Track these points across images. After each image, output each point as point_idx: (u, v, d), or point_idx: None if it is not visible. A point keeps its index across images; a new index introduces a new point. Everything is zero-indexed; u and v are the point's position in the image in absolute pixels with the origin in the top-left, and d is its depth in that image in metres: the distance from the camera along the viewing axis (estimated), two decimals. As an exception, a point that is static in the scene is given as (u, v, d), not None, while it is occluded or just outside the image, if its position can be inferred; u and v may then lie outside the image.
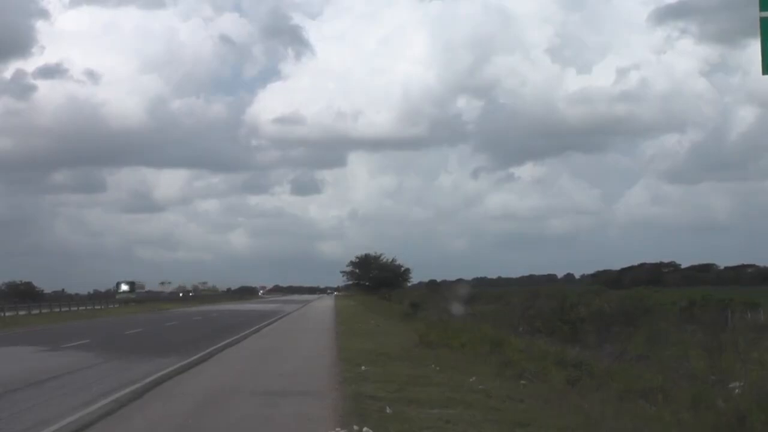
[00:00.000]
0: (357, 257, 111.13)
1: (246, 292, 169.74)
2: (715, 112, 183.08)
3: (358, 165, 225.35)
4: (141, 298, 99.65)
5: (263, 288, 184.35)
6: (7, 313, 52.76)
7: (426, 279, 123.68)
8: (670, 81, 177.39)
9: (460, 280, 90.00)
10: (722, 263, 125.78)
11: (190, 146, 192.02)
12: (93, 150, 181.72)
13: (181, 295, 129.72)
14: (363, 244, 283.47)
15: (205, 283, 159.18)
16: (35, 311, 58.18)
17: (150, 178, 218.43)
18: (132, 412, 12.06)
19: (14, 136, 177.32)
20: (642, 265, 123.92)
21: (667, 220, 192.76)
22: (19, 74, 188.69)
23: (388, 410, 11.66)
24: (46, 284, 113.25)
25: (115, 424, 11.17)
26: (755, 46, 9.87)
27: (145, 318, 51.28)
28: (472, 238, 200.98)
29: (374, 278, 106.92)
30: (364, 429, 10.15)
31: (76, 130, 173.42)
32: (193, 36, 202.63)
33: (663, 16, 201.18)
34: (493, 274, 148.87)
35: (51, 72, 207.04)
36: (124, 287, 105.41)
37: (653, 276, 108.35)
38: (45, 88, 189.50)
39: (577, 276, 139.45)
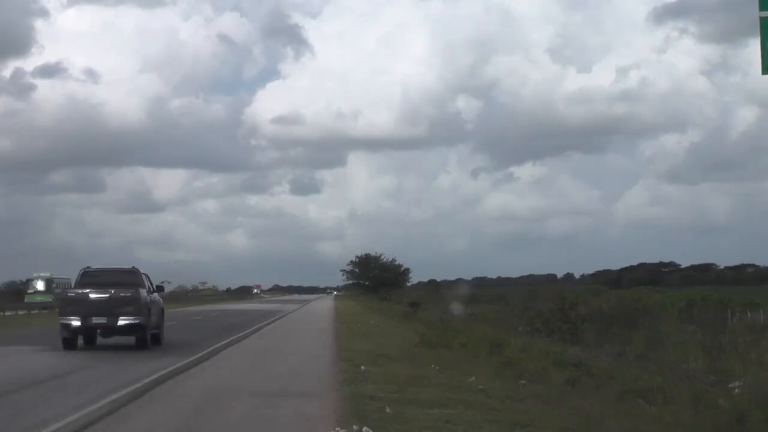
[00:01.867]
0: (357, 257, 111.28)
1: (245, 292, 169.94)
2: (714, 112, 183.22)
3: (358, 165, 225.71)
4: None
5: (258, 287, 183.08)
6: (7, 313, 52.80)
7: (426, 279, 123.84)
8: (669, 81, 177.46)
9: (459, 280, 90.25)
10: (722, 263, 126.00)
11: (190, 146, 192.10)
12: (92, 150, 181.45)
13: None
14: (363, 244, 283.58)
15: (204, 283, 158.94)
16: (35, 311, 58.20)
17: (149, 178, 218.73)
18: (132, 412, 12.05)
19: (13, 136, 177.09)
20: (642, 265, 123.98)
21: (667, 220, 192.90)
22: (18, 73, 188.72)
23: (387, 410, 11.66)
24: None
25: (115, 424, 11.17)
26: (755, 46, 9.88)
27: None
28: (472, 238, 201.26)
29: (374, 278, 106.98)
30: (364, 429, 10.15)
31: (75, 129, 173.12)
32: (192, 35, 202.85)
33: (662, 15, 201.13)
34: (493, 274, 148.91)
35: (50, 71, 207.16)
36: (39, 285, 75.37)
37: (653, 276, 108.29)
38: (44, 88, 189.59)
39: (576, 276, 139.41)
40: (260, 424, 11.06)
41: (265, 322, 41.56)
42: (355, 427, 10.24)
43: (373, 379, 15.42)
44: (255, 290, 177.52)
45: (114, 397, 13.39)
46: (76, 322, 23.56)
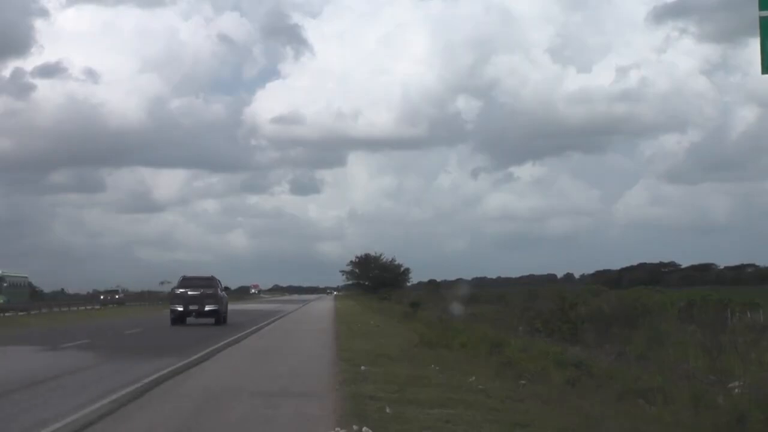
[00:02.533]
0: (357, 257, 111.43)
1: (245, 292, 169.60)
2: (714, 111, 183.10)
3: (358, 165, 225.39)
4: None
5: (255, 287, 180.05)
6: (7, 313, 52.80)
7: (426, 279, 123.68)
8: (669, 81, 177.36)
9: (459, 280, 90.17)
10: (722, 263, 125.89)
11: (190, 146, 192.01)
12: (92, 150, 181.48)
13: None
14: (363, 244, 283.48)
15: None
16: (35, 311, 58.20)
17: (149, 178, 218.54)
18: (132, 412, 12.05)
19: (13, 135, 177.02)
20: (642, 265, 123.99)
21: (667, 220, 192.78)
22: (18, 73, 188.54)
23: (387, 410, 11.66)
24: (45, 284, 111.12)
25: (115, 424, 11.16)
26: (755, 46, 9.88)
27: (146, 318, 51.27)
28: (472, 238, 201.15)
29: (374, 278, 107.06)
30: (364, 429, 10.15)
31: (75, 129, 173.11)
32: (192, 35, 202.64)
33: (661, 15, 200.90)
34: (492, 274, 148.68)
35: (50, 71, 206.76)
36: None
37: (653, 276, 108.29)
38: (44, 88, 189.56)
39: (576, 276, 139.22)
40: (260, 424, 11.06)
41: (265, 322, 41.56)
42: (355, 427, 10.23)
43: (373, 379, 15.41)
44: (252, 290, 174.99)
45: (114, 397, 13.39)
46: (179, 308, 39.15)
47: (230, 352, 23.20)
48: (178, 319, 39.07)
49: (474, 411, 11.86)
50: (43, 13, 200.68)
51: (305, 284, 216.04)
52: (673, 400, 12.58)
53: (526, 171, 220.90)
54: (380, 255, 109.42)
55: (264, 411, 12.06)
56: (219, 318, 39.27)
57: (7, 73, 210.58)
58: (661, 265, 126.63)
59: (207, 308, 39.08)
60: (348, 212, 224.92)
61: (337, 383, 15.08)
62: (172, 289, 42.28)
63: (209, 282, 40.43)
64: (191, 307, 39.11)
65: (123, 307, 76.30)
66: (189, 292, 39.16)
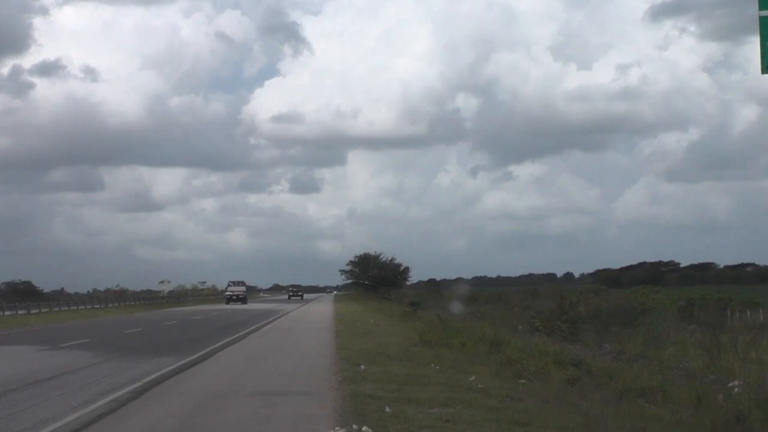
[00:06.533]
0: (356, 256, 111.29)
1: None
2: (714, 110, 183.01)
3: (357, 163, 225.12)
4: None
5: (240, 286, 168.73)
6: (7, 313, 52.79)
7: (425, 278, 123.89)
8: (670, 79, 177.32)
9: (459, 279, 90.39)
10: (722, 263, 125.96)
11: (189, 145, 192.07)
12: (91, 148, 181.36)
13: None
14: (362, 243, 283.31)
15: (204, 282, 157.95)
16: (34, 311, 58.16)
17: (148, 177, 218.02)
18: (131, 412, 12.06)
19: (12, 134, 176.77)
20: (642, 264, 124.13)
21: (667, 218, 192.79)
22: (17, 71, 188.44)
23: (387, 409, 11.66)
24: (45, 284, 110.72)
25: (115, 423, 11.17)
26: (755, 43, 9.88)
27: (145, 317, 51.29)
28: (472, 237, 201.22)
29: (374, 277, 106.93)
30: (364, 428, 10.15)
31: (74, 127, 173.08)
32: (192, 33, 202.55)
33: (659, 14, 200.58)
34: (492, 273, 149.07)
35: (49, 69, 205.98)
36: None
37: (653, 275, 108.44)
38: (43, 86, 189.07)
39: (576, 275, 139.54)
40: (260, 423, 11.06)
41: (264, 322, 41.55)
42: (354, 427, 10.24)
43: (373, 379, 15.41)
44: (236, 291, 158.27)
45: (114, 396, 13.40)
46: (291, 293, 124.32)
47: (230, 352, 23.21)
48: (289, 297, 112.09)
49: (474, 410, 11.86)
50: (42, 10, 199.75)
51: (305, 283, 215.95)
52: (672, 400, 12.60)
53: (526, 169, 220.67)
54: (380, 254, 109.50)
55: (264, 410, 12.06)
56: (302, 298, 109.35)
57: (5, 71, 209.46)
58: (661, 264, 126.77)
59: (299, 293, 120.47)
60: (347, 211, 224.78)
61: (337, 382, 15.08)
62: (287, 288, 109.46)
63: (299, 286, 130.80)
64: (293, 292, 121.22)
65: None
66: (293, 289, 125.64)
